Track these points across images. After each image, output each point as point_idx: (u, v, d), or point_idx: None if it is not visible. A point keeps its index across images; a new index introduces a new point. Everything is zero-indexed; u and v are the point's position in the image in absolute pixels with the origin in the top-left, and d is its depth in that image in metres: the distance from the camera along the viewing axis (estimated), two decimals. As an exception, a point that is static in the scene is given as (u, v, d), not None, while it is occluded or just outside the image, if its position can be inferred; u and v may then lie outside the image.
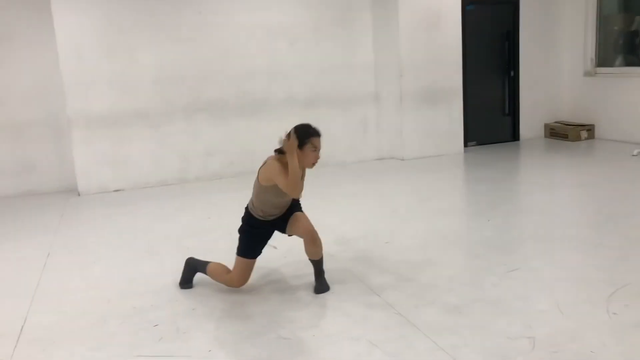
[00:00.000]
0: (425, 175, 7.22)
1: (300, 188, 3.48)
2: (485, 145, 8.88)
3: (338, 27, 8.01)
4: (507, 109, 9.10)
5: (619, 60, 8.66)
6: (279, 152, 3.56)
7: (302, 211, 3.80)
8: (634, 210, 5.17)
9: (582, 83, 8.94)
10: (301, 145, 3.47)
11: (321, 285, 3.75)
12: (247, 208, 3.78)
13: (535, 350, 2.85)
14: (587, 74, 8.85)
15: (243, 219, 3.79)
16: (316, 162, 3.55)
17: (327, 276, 3.81)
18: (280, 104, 7.87)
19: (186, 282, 3.95)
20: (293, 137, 3.45)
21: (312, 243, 3.67)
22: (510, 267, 3.96)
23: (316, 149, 3.51)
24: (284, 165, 3.45)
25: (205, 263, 3.90)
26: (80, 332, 3.38)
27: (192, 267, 3.96)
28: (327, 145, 7.87)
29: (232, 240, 4.96)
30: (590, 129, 8.76)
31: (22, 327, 3.50)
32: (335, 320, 3.35)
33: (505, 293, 3.55)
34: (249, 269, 3.74)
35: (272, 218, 3.70)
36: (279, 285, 3.92)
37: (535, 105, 9.14)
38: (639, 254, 4.07)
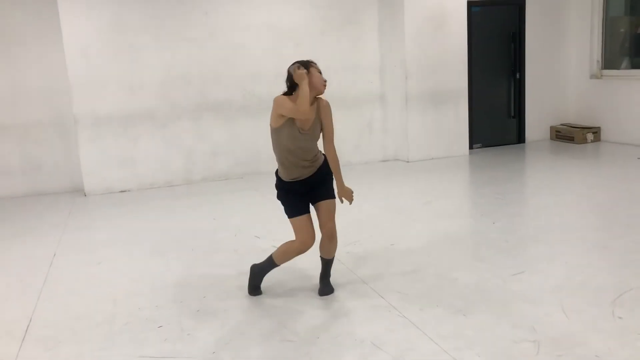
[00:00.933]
0: (430, 177, 7.21)
1: (305, 107, 3.34)
2: (491, 148, 8.86)
3: (344, 29, 8.02)
4: (513, 111, 9.08)
5: (625, 62, 8.62)
6: (290, 90, 3.51)
7: (332, 194, 3.61)
8: (638, 214, 5.15)
9: (588, 85, 8.91)
10: (307, 67, 3.47)
11: (325, 287, 3.75)
12: (276, 171, 3.65)
13: (540, 354, 2.85)
14: (593, 76, 8.82)
15: (275, 185, 3.66)
16: (325, 84, 3.52)
17: (331, 277, 3.81)
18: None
19: (255, 289, 3.80)
20: (297, 68, 3.44)
21: (329, 240, 3.60)
22: (516, 270, 3.95)
23: (320, 73, 3.52)
24: (292, 101, 3.41)
25: (269, 258, 3.73)
26: (85, 332, 3.40)
27: (259, 271, 3.80)
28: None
29: (238, 240, 5.00)
30: (596, 131, 8.73)
31: (28, 326, 3.52)
32: (340, 322, 3.36)
33: (511, 296, 3.55)
34: (307, 224, 3.55)
35: (296, 179, 3.53)
36: (284, 287, 3.93)
37: (541, 107, 9.11)
38: (645, 257, 4.05)
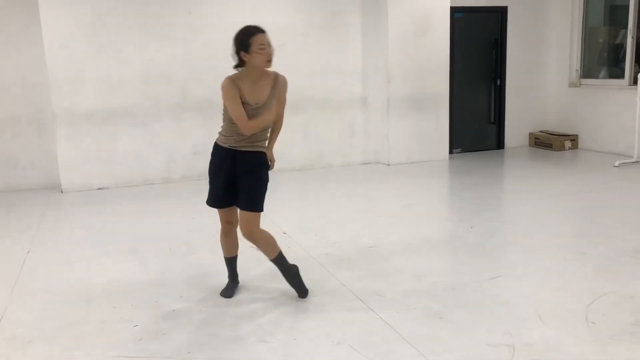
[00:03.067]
0: (410, 180, 7.24)
1: (251, 131, 3.31)
2: (471, 153, 8.94)
3: (327, 31, 8.02)
4: (493, 117, 9.17)
5: (604, 72, 8.77)
6: (237, 66, 3.37)
7: (252, 205, 3.48)
8: (615, 220, 5.23)
9: (567, 93, 9.04)
10: (246, 48, 3.24)
11: (228, 290, 3.77)
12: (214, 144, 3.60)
13: (515, 358, 2.87)
14: (572, 84, 8.95)
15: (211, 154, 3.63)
16: (270, 58, 3.29)
17: (310, 279, 3.79)
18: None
19: (301, 290, 3.70)
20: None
21: (249, 241, 3.59)
22: (493, 274, 3.98)
23: (264, 45, 3.25)
24: (240, 86, 3.30)
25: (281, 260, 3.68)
26: (58, 331, 3.34)
27: (287, 272, 3.70)
28: (314, 147, 8.00)
29: (215, 240, 4.94)
30: (574, 139, 8.86)
31: (-1, 324, 3.45)
32: (317, 324, 3.35)
33: (487, 300, 3.57)
34: (221, 217, 3.65)
35: (230, 145, 3.42)
36: (261, 289, 3.91)
37: (521, 114, 9.22)
38: (619, 264, 4.11)
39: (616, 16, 8.72)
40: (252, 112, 3.36)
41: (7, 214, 6.17)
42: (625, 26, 8.08)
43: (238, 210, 3.56)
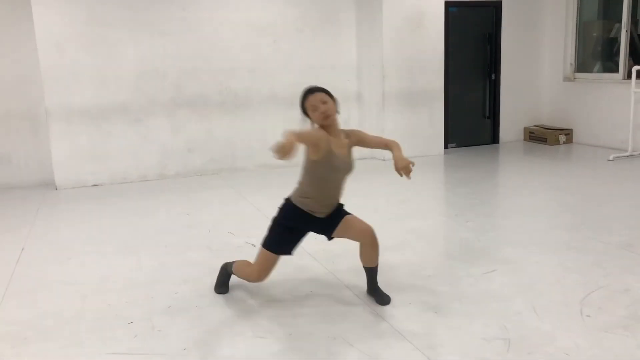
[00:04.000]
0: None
1: (299, 138, 3.05)
2: (466, 148, 8.95)
3: (322, 27, 8.00)
4: (488, 111, 9.18)
5: (598, 66, 8.79)
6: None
7: (350, 213, 3.51)
8: (609, 214, 5.25)
9: (562, 88, 9.05)
10: (305, 111, 3.31)
11: (382, 297, 3.50)
12: (289, 197, 3.45)
13: (510, 352, 2.88)
14: (567, 79, 8.96)
15: (280, 208, 3.47)
16: (326, 115, 3.22)
17: (306, 275, 3.79)
18: (262, 101, 7.85)
19: (220, 285, 3.73)
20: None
21: (371, 246, 3.43)
22: (488, 269, 3.99)
23: (316, 108, 3.24)
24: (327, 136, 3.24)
25: (230, 264, 3.69)
26: (53, 329, 3.33)
27: (226, 271, 3.73)
28: (308, 144, 7.96)
29: (211, 237, 4.95)
30: (568, 133, 8.88)
31: (-6, 322, 3.44)
32: (313, 319, 3.35)
33: (482, 294, 3.58)
34: (271, 264, 3.41)
35: (314, 214, 3.36)
36: (255, 286, 3.90)
37: (515, 108, 9.23)
38: (613, 257, 4.13)
39: (610, 10, 8.73)
40: (337, 163, 3.30)
41: (1, 211, 6.15)
42: (620, 20, 8.09)
43: (350, 223, 3.50)
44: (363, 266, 3.55)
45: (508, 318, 3.24)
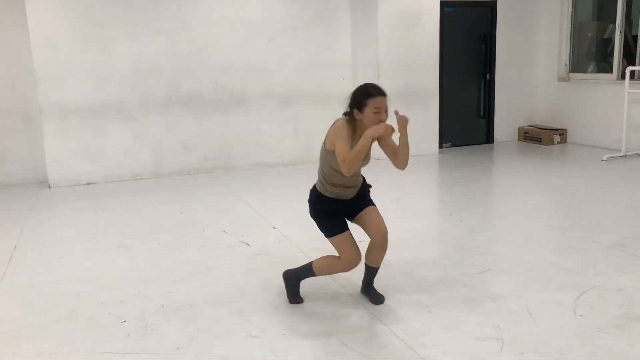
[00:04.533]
0: (400, 174, 7.18)
1: (351, 167, 3.09)
2: (460, 147, 8.96)
3: (317, 25, 7.99)
4: (482, 111, 9.20)
5: (592, 66, 8.82)
6: (347, 114, 3.24)
7: (374, 204, 3.47)
8: (603, 214, 5.27)
9: (556, 88, 9.08)
10: (360, 107, 3.14)
11: (376, 296, 3.50)
12: (313, 187, 3.41)
13: (504, 352, 2.88)
14: (561, 79, 8.99)
15: (310, 201, 3.41)
16: (378, 123, 3.12)
17: (299, 272, 3.77)
18: (257, 99, 7.83)
19: (294, 296, 3.55)
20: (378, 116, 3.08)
21: (381, 247, 3.37)
22: (482, 268, 4.00)
23: (379, 110, 3.13)
24: (353, 131, 3.19)
25: (308, 265, 3.50)
26: (46, 327, 3.32)
27: (294, 277, 3.57)
28: (304, 142, 7.97)
29: (205, 235, 4.94)
30: (562, 133, 8.91)
31: (-14, 321, 3.42)
32: (307, 319, 3.34)
33: (476, 294, 3.59)
34: (351, 241, 3.30)
35: (338, 196, 3.32)
36: (249, 285, 3.90)
37: (510, 108, 9.25)
38: (607, 257, 4.14)
39: (605, 11, 8.77)
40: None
41: (-6, 209, 6.12)
42: (614, 21, 8.12)
43: (369, 215, 3.44)
44: (365, 264, 3.51)
45: (502, 317, 3.25)
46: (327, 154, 3.27)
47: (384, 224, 3.37)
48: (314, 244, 4.58)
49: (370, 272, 3.54)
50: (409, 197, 6.17)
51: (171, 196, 6.49)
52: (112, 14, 7.02)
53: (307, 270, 3.52)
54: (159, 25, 7.24)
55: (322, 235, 3.41)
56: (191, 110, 7.55)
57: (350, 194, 3.38)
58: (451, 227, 5.05)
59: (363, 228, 3.43)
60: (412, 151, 8.45)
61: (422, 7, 7.98)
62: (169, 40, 7.31)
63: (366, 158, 3.31)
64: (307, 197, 3.45)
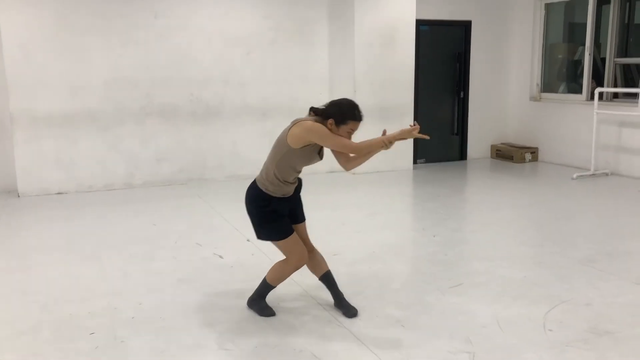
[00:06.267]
0: (375, 189, 7.29)
1: (358, 151, 3.22)
2: (434, 163, 9.06)
3: (295, 40, 8.03)
4: (456, 128, 9.33)
5: (563, 87, 9.03)
6: (315, 112, 3.30)
7: (304, 219, 3.58)
8: (572, 230, 5.37)
9: (528, 107, 9.26)
10: (338, 123, 3.22)
11: (349, 309, 3.51)
12: (253, 187, 3.38)
13: (475, 365, 2.90)
14: (533, 98, 9.18)
15: (256, 205, 3.36)
16: (347, 138, 3.28)
17: (273, 288, 3.74)
18: (234, 112, 7.82)
19: (263, 309, 3.54)
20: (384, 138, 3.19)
21: (314, 255, 3.54)
22: (454, 283, 4.03)
23: (352, 132, 3.28)
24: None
25: (263, 282, 3.55)
26: (11, 340, 3.23)
27: (257, 299, 3.57)
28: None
29: (177, 247, 4.88)
30: (534, 151, 9.07)
31: (-52, 332, 3.31)
32: (279, 331, 3.32)
33: (448, 308, 3.61)
34: (299, 240, 3.40)
35: (284, 195, 3.35)
36: (221, 297, 3.86)
37: (483, 126, 9.40)
38: (576, 272, 4.21)
39: (575, 33, 9.00)
40: (314, 156, 3.35)
41: (-40, 218, 5.96)
42: (583, 43, 8.34)
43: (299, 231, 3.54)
44: (319, 278, 3.59)
45: (473, 331, 3.27)
46: (288, 152, 3.27)
47: (308, 238, 3.58)
48: (288, 256, 4.57)
49: (329, 281, 3.58)
50: (383, 212, 6.20)
51: (144, 207, 6.40)
52: (88, 22, 6.96)
53: (264, 287, 3.56)
54: (136, 36, 7.20)
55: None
56: (166, 122, 7.50)
57: (292, 190, 3.42)
58: (424, 241, 5.09)
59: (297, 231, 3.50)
60: (386, 166, 8.56)
61: (398, 25, 8.09)
62: (146, 51, 7.27)
63: (321, 156, 3.41)
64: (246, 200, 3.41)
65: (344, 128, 3.25)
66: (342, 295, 3.58)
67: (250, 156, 7.93)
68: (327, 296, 3.72)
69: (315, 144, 3.26)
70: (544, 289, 3.90)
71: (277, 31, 7.91)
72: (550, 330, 3.27)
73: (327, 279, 3.59)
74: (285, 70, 8.01)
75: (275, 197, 3.34)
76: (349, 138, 3.29)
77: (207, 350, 3.10)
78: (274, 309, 3.55)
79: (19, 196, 6.87)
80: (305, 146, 3.25)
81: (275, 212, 3.35)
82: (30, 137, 6.87)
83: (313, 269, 3.60)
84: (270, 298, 3.62)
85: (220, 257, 4.62)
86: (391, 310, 3.57)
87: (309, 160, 3.35)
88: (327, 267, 3.60)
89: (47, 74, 6.85)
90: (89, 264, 4.49)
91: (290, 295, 3.82)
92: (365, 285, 4.00)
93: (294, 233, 3.40)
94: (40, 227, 5.65)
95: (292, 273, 3.50)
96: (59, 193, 7.04)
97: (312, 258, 3.55)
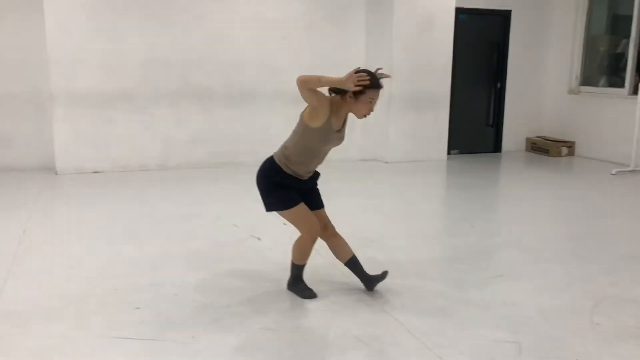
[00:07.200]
0: (409, 178, 7.23)
1: (303, 84, 3.18)
2: (468, 154, 8.94)
3: (331, 26, 7.98)
4: (491, 120, 9.19)
5: (603, 80, 8.81)
6: (334, 92, 3.28)
7: (323, 206, 3.55)
8: (614, 226, 5.25)
9: (566, 100, 9.07)
10: (357, 92, 3.16)
11: (370, 280, 3.56)
12: (268, 160, 3.38)
13: (522, 356, 2.85)
14: (571, 91, 8.98)
15: (264, 174, 3.35)
16: (368, 114, 3.27)
17: (314, 271, 3.74)
18: (268, 97, 7.80)
19: (303, 290, 3.53)
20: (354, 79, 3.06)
21: (337, 239, 3.55)
22: (494, 274, 3.97)
23: (373, 100, 3.22)
24: (336, 110, 3.24)
25: (291, 265, 3.55)
26: (59, 310, 3.28)
27: (292, 281, 3.57)
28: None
29: (214, 228, 4.91)
30: (570, 145, 8.90)
31: (-3, 301, 3.38)
32: (322, 314, 3.31)
33: (490, 298, 3.56)
34: (308, 210, 3.35)
35: (297, 175, 3.32)
36: (264, 277, 3.87)
37: (519, 118, 9.24)
38: (620, 268, 4.12)
39: (618, 26, 8.77)
40: (332, 136, 3.31)
41: (1, 193, 6.07)
42: (627, 36, 8.12)
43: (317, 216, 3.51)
44: (345, 264, 3.58)
45: (518, 322, 3.22)
46: (305, 131, 3.25)
47: (330, 221, 3.54)
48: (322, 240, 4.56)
49: (355, 266, 3.57)
50: (418, 201, 6.15)
51: (179, 188, 6.45)
52: (128, 3, 7.00)
53: (294, 268, 3.56)
54: (173, 18, 7.22)
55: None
56: (201, 104, 7.52)
57: (307, 175, 3.39)
58: (462, 231, 5.02)
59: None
60: (420, 156, 8.49)
61: (437, 13, 7.98)
62: (183, 33, 7.28)
63: (341, 138, 3.37)
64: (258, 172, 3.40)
65: (364, 99, 3.19)
66: (371, 275, 3.56)
67: (283, 142, 7.93)
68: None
69: (331, 124, 3.21)
70: (587, 283, 3.83)
71: (313, 16, 7.86)
72: (598, 324, 3.21)
73: (353, 264, 3.57)
74: (321, 56, 7.95)
75: (286, 173, 3.31)
76: (369, 109, 3.24)
77: (249, 329, 3.11)
78: (314, 291, 3.54)
79: (56, 174, 6.97)
80: (322, 126, 3.20)
81: (281, 183, 3.31)
82: (68, 116, 6.96)
83: (338, 255, 3.59)
84: (311, 281, 3.61)
85: (259, 239, 4.63)
86: (433, 298, 3.54)
87: (327, 140, 3.28)
88: (352, 252, 3.56)
89: (87, 53, 6.91)
90: (129, 242, 4.53)
91: (330, 278, 3.81)
92: (405, 272, 3.97)
93: (302, 204, 3.34)
94: (79, 204, 5.72)
95: (311, 246, 3.46)
96: (94, 172, 7.13)
97: (335, 244, 3.54)
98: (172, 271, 3.92)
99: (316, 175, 3.53)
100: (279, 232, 4.79)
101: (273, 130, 7.88)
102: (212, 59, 7.48)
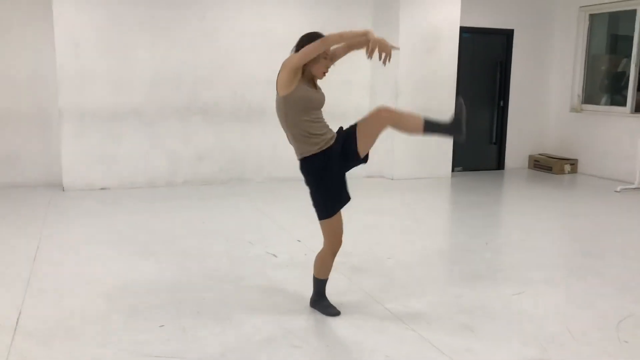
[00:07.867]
0: (414, 195, 7.24)
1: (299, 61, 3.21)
2: (471, 172, 8.98)
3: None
4: (495, 137, 9.25)
5: (605, 99, 8.91)
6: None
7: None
8: (626, 243, 5.27)
9: (568, 118, 9.16)
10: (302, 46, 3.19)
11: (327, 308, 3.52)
12: (304, 161, 3.34)
13: (554, 372, 2.85)
14: (574, 109, 9.07)
15: (309, 169, 3.32)
16: (327, 71, 3.32)
17: (334, 287, 3.72)
18: (275, 114, 7.79)
19: (326, 307, 3.49)
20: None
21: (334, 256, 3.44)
22: (515, 290, 3.97)
23: (327, 56, 3.25)
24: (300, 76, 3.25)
25: (314, 280, 3.51)
26: (82, 328, 3.24)
27: (316, 298, 3.54)
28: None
29: (229, 244, 4.88)
30: (573, 163, 8.96)
31: (18, 319, 3.33)
32: (350, 332, 3.29)
33: (515, 315, 3.55)
34: (338, 225, 3.32)
35: (329, 144, 3.26)
36: (290, 294, 3.84)
37: (522, 136, 9.31)
38: (639, 285, 4.13)
39: (618, 45, 8.90)
40: (311, 92, 3.33)
41: (9, 209, 6.02)
42: (628, 55, 8.24)
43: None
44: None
45: (545, 339, 3.21)
46: (288, 105, 3.27)
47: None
48: (340, 257, 4.55)
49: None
50: (430, 218, 6.15)
51: (189, 205, 6.42)
52: (137, 20, 7.03)
53: (316, 284, 3.53)
54: (182, 35, 7.25)
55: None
56: (209, 121, 7.53)
57: (331, 136, 3.35)
58: (477, 248, 5.02)
59: (371, 132, 3.44)
60: (426, 173, 8.51)
61: (442, 31, 8.06)
62: (192, 50, 7.32)
63: (321, 94, 3.43)
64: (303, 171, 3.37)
65: (319, 59, 3.27)
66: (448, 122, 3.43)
67: (290, 159, 7.89)
68: (389, 298, 3.70)
69: (300, 82, 3.24)
70: (609, 301, 3.83)
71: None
72: (626, 342, 3.20)
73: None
74: (328, 74, 7.96)
75: (325, 150, 3.25)
76: (327, 65, 3.37)
77: (277, 346, 3.08)
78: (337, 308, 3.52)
79: (63, 190, 6.93)
80: (297, 86, 3.22)
81: (333, 171, 3.26)
82: (76, 132, 6.94)
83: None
84: (333, 299, 3.59)
85: (275, 255, 4.61)
86: (457, 316, 3.52)
87: (310, 97, 3.27)
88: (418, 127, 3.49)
89: (96, 70, 6.92)
90: (143, 259, 4.50)
91: (351, 294, 3.79)
92: (425, 288, 3.96)
93: (339, 214, 3.33)
94: (89, 222, 5.68)
95: (332, 259, 3.43)
96: (102, 188, 7.09)
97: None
98: (192, 288, 3.89)
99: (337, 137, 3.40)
100: (294, 248, 4.79)
101: (280, 147, 7.89)
102: (220, 76, 7.51)
